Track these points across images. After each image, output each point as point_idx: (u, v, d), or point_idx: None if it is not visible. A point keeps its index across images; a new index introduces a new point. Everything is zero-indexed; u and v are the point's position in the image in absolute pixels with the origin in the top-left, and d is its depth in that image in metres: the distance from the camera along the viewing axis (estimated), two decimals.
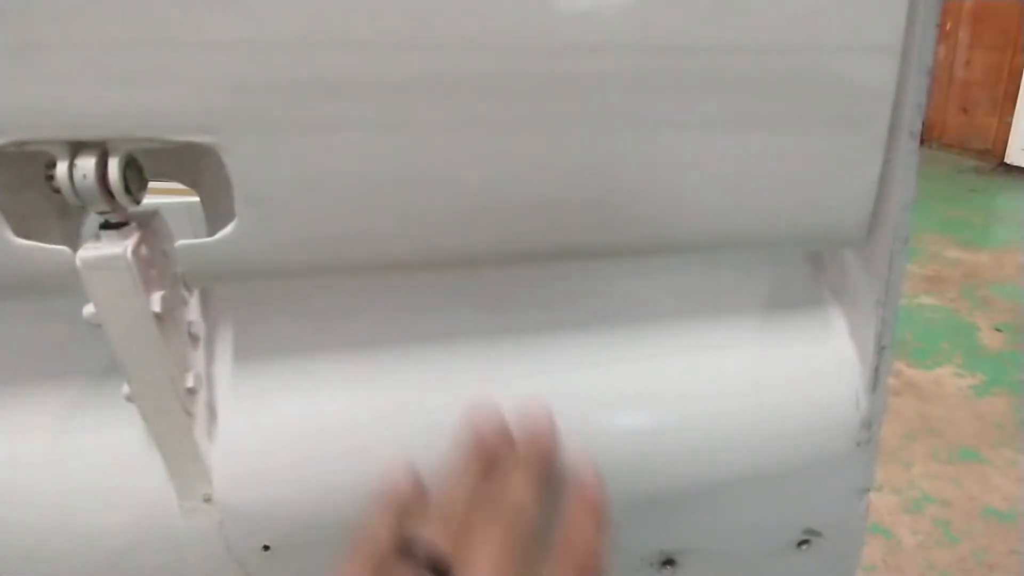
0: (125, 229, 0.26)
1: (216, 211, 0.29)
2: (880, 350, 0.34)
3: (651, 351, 0.34)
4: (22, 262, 0.25)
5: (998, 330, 2.31)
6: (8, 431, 0.31)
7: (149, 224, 0.27)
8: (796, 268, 0.36)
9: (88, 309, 0.26)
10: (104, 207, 0.25)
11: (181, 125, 0.25)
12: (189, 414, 0.29)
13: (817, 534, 0.37)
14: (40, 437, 0.31)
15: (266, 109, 0.25)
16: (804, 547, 0.38)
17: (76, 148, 0.24)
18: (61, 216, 0.29)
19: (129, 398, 0.28)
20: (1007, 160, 4.15)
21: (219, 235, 0.27)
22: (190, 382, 0.29)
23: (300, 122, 0.25)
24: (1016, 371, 2.06)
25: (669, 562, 0.36)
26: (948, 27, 4.81)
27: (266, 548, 0.31)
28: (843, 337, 0.35)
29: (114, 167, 0.24)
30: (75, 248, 0.25)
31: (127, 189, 0.25)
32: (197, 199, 0.30)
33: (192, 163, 0.28)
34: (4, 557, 0.30)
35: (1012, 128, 4.10)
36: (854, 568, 0.40)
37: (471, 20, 0.25)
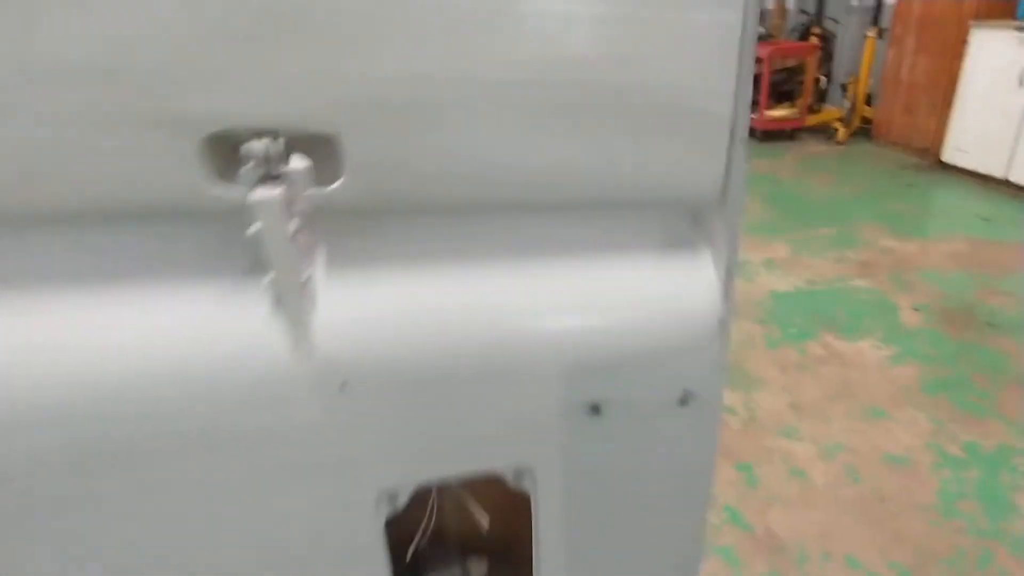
0: (277, 181, 0.45)
1: (325, 172, 0.47)
2: (729, 273, 0.54)
3: (584, 272, 0.54)
4: (220, 199, 0.44)
5: (916, 310, 2.60)
6: (180, 309, 0.49)
7: (290, 179, 0.45)
8: (683, 222, 0.56)
9: (253, 228, 0.45)
10: (269, 169, 0.44)
11: (313, 120, 0.43)
12: (303, 296, 0.48)
13: (692, 395, 0.58)
14: (205, 314, 0.49)
15: (361, 112, 0.44)
16: (684, 404, 0.58)
17: (257, 133, 0.43)
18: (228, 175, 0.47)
19: (270, 284, 0.47)
20: (943, 158, 4.49)
21: (331, 187, 0.46)
22: (305, 274, 0.48)
23: (397, 123, 0.44)
24: (926, 344, 2.35)
25: (596, 408, 0.56)
26: (897, 32, 5.13)
27: (343, 385, 0.51)
28: (708, 265, 0.55)
29: (279, 146, 0.43)
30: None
31: (285, 158, 0.44)
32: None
33: (314, 146, 0.47)
34: (181, 392, 0.48)
35: (948, 129, 4.43)
36: (717, 418, 0.61)
37: None
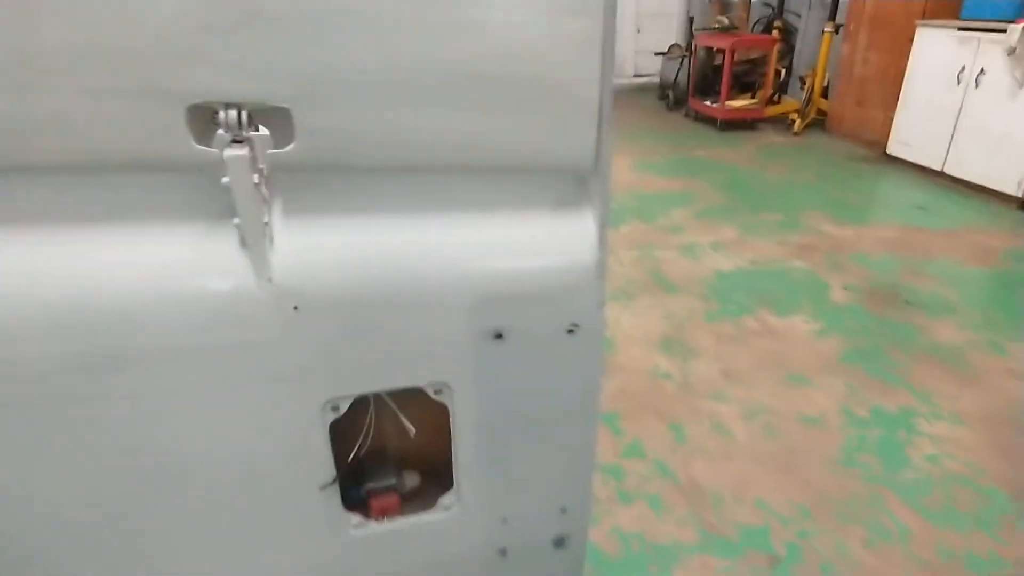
0: (244, 144, 0.57)
1: (281, 137, 0.60)
2: (603, 226, 0.69)
3: (492, 224, 0.68)
4: (199, 156, 0.57)
5: (846, 289, 2.82)
6: (164, 244, 0.62)
7: (253, 143, 0.58)
8: (568, 185, 0.71)
9: (224, 179, 0.58)
10: (237, 134, 0.57)
11: (271, 96, 0.56)
12: (263, 236, 0.61)
13: (577, 326, 0.73)
14: (184, 249, 0.62)
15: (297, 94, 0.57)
16: (571, 333, 0.73)
17: (228, 105, 0.56)
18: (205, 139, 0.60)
19: (237, 226, 0.60)
20: (888, 151, 4.73)
21: (285, 150, 0.59)
22: (265, 218, 0.61)
23: (327, 103, 0.57)
24: (850, 320, 2.56)
25: (499, 335, 0.71)
26: (852, 27, 5.35)
27: (296, 308, 0.64)
28: (589, 219, 0.70)
29: (245, 115, 0.56)
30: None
31: (248, 125, 0.57)
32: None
33: (272, 117, 0.60)
34: (164, 310, 0.61)
35: (894, 123, 4.67)
36: (600, 346, 0.76)
37: None
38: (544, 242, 0.70)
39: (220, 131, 0.56)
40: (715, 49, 6.28)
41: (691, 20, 7.54)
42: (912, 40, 4.49)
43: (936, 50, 4.25)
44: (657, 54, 7.63)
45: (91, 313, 0.59)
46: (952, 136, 4.13)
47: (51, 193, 0.58)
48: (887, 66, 4.90)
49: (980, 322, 2.53)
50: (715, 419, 1.97)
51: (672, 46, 7.46)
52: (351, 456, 0.80)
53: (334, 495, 0.76)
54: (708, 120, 6.13)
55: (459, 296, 0.68)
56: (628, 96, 7.58)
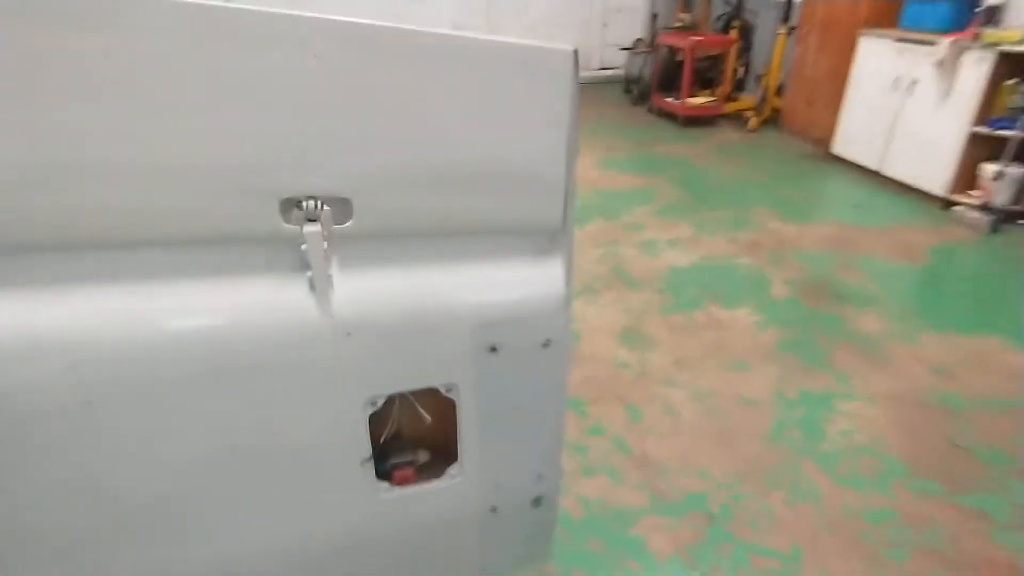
0: (316, 222, 0.81)
1: (342, 215, 0.84)
2: (568, 270, 0.95)
3: (490, 269, 0.93)
4: (286, 231, 0.81)
5: (786, 283, 3.15)
6: (259, 290, 0.85)
7: (324, 220, 0.82)
8: (544, 240, 0.96)
9: (303, 247, 0.82)
10: (313, 215, 0.81)
11: (339, 191, 0.80)
12: (327, 283, 0.85)
13: (550, 341, 0.99)
14: (272, 293, 0.86)
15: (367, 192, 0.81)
16: (546, 346, 0.99)
17: (308, 197, 0.80)
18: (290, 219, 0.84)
19: (309, 277, 0.84)
20: (833, 150, 5.10)
21: (345, 225, 0.83)
22: (328, 271, 0.85)
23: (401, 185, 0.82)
24: (788, 312, 2.89)
25: (494, 348, 0.96)
26: (804, 31, 5.68)
27: (348, 334, 0.89)
28: (558, 265, 0.96)
29: (319, 203, 0.80)
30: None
31: (320, 209, 0.81)
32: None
33: (337, 203, 0.83)
34: (257, 336, 0.85)
35: (838, 124, 5.03)
36: (567, 356, 1.02)
37: None
38: (526, 280, 0.96)
39: (301, 212, 0.80)
40: (677, 47, 6.56)
41: (655, 17, 7.80)
42: (855, 47, 4.83)
43: (876, 57, 4.60)
44: (622, 49, 7.88)
45: (210, 338, 0.83)
46: (888, 139, 4.50)
47: (185, 257, 0.81)
48: (834, 69, 5.23)
49: (897, 313, 2.89)
50: (666, 402, 2.28)
51: (636, 41, 7.72)
52: (381, 439, 1.06)
53: (370, 468, 1.01)
54: (670, 116, 6.43)
55: (465, 321, 0.93)
56: (595, 90, 7.82)
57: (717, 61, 6.68)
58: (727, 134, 5.98)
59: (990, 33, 3.70)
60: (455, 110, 0.81)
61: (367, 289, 0.89)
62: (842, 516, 1.81)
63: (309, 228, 0.81)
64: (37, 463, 0.82)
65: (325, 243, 0.83)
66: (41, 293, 0.77)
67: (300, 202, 0.80)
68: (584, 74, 8.43)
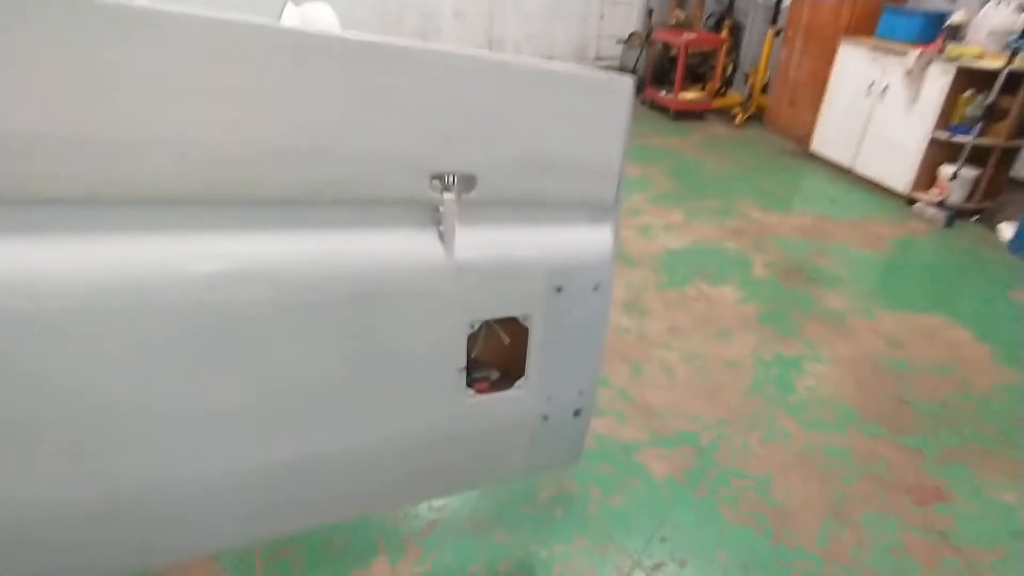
0: (452, 190, 1.16)
1: (467, 186, 1.19)
2: (616, 233, 1.31)
3: (563, 232, 1.29)
4: (430, 196, 1.15)
5: (766, 266, 3.55)
6: (402, 239, 1.20)
7: (456, 189, 1.17)
8: (600, 210, 1.32)
9: (441, 208, 1.16)
10: (449, 185, 1.15)
11: (469, 169, 1.15)
12: (453, 235, 1.20)
13: (599, 285, 1.35)
14: (412, 241, 1.20)
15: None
16: (596, 289, 1.35)
17: (448, 173, 1.14)
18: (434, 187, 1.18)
19: (440, 231, 1.19)
20: (812, 148, 5.51)
21: (471, 194, 1.18)
22: (453, 227, 1.20)
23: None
24: (766, 290, 3.29)
25: (559, 289, 1.32)
26: (789, 34, 6.06)
27: (463, 272, 1.24)
28: (608, 229, 1.31)
29: (455, 177, 1.15)
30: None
31: (454, 181, 1.15)
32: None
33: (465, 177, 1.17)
34: (393, 273, 1.20)
35: (817, 123, 5.44)
36: (610, 297, 1.38)
37: None
38: (585, 239, 1.32)
39: (440, 182, 1.15)
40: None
41: (650, 12, 8.14)
42: (836, 52, 5.23)
43: (853, 63, 5.01)
44: (618, 41, 8.21)
45: (368, 270, 1.17)
46: (861, 139, 4.92)
47: (361, 213, 1.15)
48: (816, 72, 5.63)
49: (860, 294, 3.31)
50: (662, 361, 2.66)
51: (632, 34, 8.05)
52: (470, 356, 1.41)
53: (463, 377, 1.37)
54: (662, 109, 6.79)
55: (541, 267, 1.28)
56: None
57: (708, 58, 7.04)
58: (715, 128, 6.36)
59: (953, 48, 4.11)
60: (550, 118, 1.16)
61: (478, 241, 1.24)
62: (806, 451, 2.21)
63: (446, 196, 1.15)
64: (224, 359, 1.15)
65: (455, 206, 1.17)
66: (259, 236, 1.11)
67: (443, 176, 1.15)
68: (581, 65, 8.77)
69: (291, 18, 4.06)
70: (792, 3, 5.97)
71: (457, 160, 1.15)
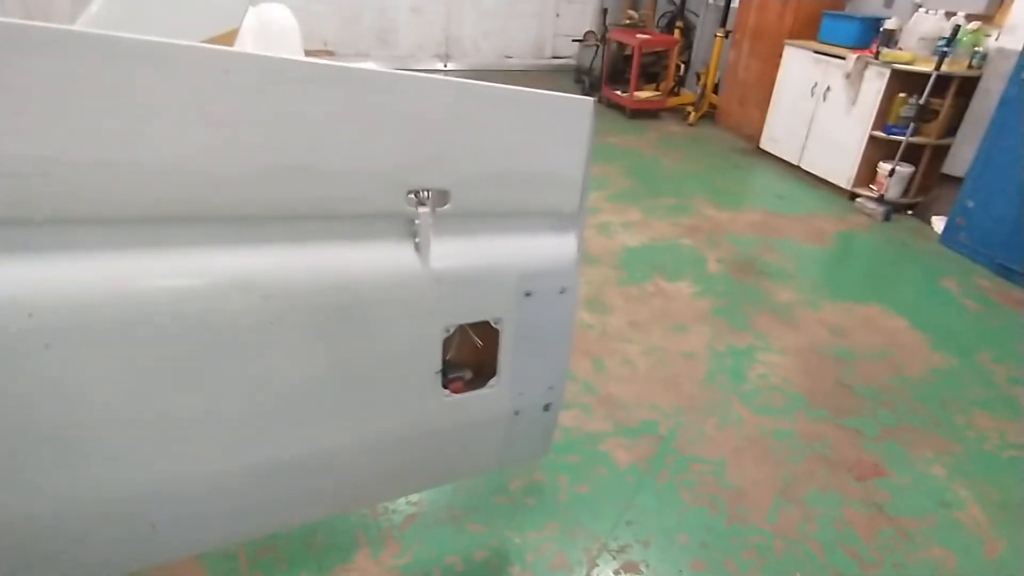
0: (427, 204, 1.24)
1: (441, 201, 1.27)
2: (580, 240, 1.41)
3: (530, 240, 1.38)
4: (405, 210, 1.23)
5: (719, 261, 3.72)
6: (378, 250, 1.27)
7: (431, 203, 1.25)
8: (564, 220, 1.42)
9: (416, 221, 1.24)
10: (424, 200, 1.23)
11: (442, 185, 1.23)
12: (428, 246, 1.29)
13: (565, 289, 1.45)
14: (389, 252, 1.28)
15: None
16: (562, 293, 1.45)
17: (423, 188, 1.22)
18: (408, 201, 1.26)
19: (416, 242, 1.27)
20: (761, 146, 5.75)
21: (444, 207, 1.26)
22: (429, 238, 1.28)
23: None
24: (719, 285, 3.46)
25: (528, 294, 1.42)
26: (738, 36, 6.29)
27: (438, 281, 1.32)
28: (573, 236, 1.41)
29: (429, 192, 1.23)
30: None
31: (428, 196, 1.24)
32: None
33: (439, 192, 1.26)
34: (383, 281, 1.27)
35: (765, 122, 5.68)
36: (575, 300, 1.48)
37: None
38: (552, 247, 1.41)
39: (415, 198, 1.23)
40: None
41: (604, 11, 8.29)
42: (781, 54, 5.47)
43: (798, 66, 5.25)
44: (574, 40, 8.35)
45: (345, 280, 1.25)
46: (806, 138, 5.17)
47: (342, 226, 1.22)
48: (763, 73, 5.87)
49: (807, 287, 3.51)
50: (624, 355, 2.79)
51: (587, 33, 8.20)
52: (446, 358, 1.50)
53: (439, 378, 1.45)
54: (619, 108, 6.95)
55: (511, 273, 1.38)
56: (547, 79, 8.26)
57: (661, 57, 7.24)
58: (669, 127, 6.56)
59: (887, 52, 4.37)
60: (518, 136, 1.25)
61: (452, 251, 1.32)
62: (758, 435, 2.37)
63: (421, 210, 1.24)
64: (218, 365, 1.22)
65: (430, 220, 1.26)
66: (248, 250, 1.17)
67: (418, 192, 1.23)
68: (538, 63, 8.90)
69: (248, 18, 4.04)
70: (740, 6, 6.19)
71: (431, 177, 1.23)
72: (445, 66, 8.67)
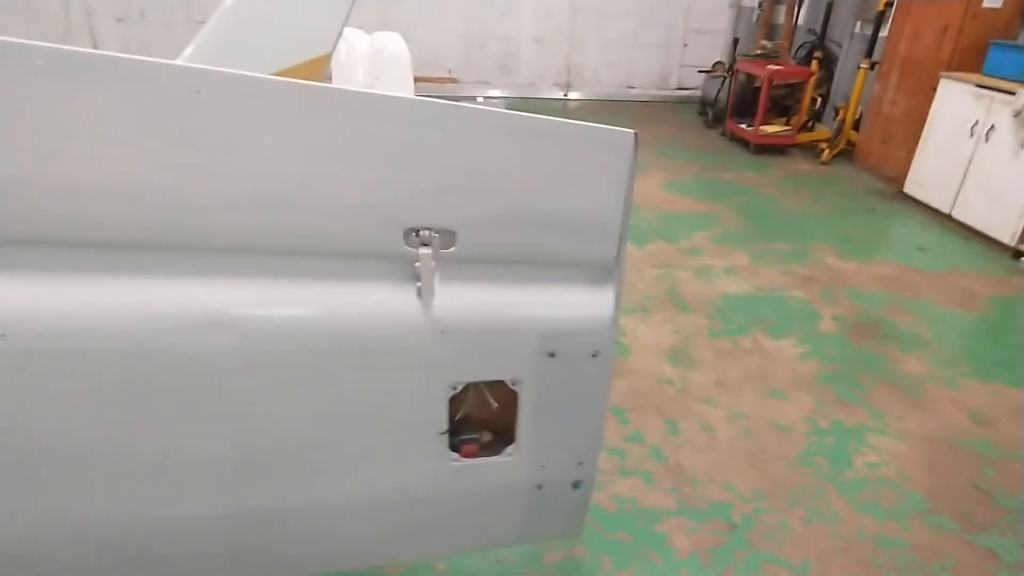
0: (429, 246, 1.09)
1: (447, 242, 1.12)
2: (617, 296, 1.19)
3: (561, 293, 1.19)
4: (405, 252, 1.09)
5: (835, 319, 3.25)
6: (378, 293, 1.14)
7: (434, 245, 1.10)
8: (601, 272, 1.21)
9: (417, 264, 1.09)
10: (427, 240, 1.08)
11: (448, 225, 1.07)
12: (431, 292, 1.13)
13: (598, 352, 1.23)
14: (389, 296, 1.14)
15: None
16: (594, 356, 1.23)
17: (424, 227, 1.07)
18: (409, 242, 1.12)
19: (418, 287, 1.12)
20: (904, 189, 5.08)
21: (450, 250, 1.10)
22: (432, 283, 1.13)
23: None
24: (832, 347, 3.01)
25: (552, 354, 1.22)
26: (885, 68, 5.66)
27: (442, 332, 1.16)
28: (610, 292, 1.20)
29: (432, 232, 1.08)
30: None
31: (431, 236, 1.08)
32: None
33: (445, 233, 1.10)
34: (366, 331, 1.13)
35: (912, 164, 5.01)
36: (611, 365, 1.25)
37: None
38: (583, 302, 1.21)
39: (417, 238, 1.08)
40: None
41: (736, 41, 7.86)
42: (936, 88, 4.82)
43: (955, 101, 4.59)
44: (700, 71, 7.98)
45: (341, 326, 1.11)
46: (962, 183, 4.48)
47: (335, 264, 1.10)
48: (912, 108, 5.21)
49: (944, 359, 2.96)
50: (704, 419, 2.46)
51: (715, 64, 7.81)
52: (455, 418, 1.33)
53: (445, 440, 1.28)
54: (742, 142, 6.50)
55: (532, 330, 1.18)
56: (669, 109, 7.95)
57: (795, 89, 6.70)
58: (798, 164, 6.01)
59: None
60: (540, 172, 1.07)
61: (460, 299, 1.16)
62: (856, 539, 1.96)
63: (423, 251, 1.08)
64: (225, 408, 1.12)
65: (433, 262, 1.10)
66: (224, 283, 1.07)
67: (419, 231, 1.08)
68: (661, 93, 8.62)
69: (361, 45, 4.16)
70: (890, 35, 5.57)
71: (434, 214, 1.08)
72: (565, 95, 8.63)
